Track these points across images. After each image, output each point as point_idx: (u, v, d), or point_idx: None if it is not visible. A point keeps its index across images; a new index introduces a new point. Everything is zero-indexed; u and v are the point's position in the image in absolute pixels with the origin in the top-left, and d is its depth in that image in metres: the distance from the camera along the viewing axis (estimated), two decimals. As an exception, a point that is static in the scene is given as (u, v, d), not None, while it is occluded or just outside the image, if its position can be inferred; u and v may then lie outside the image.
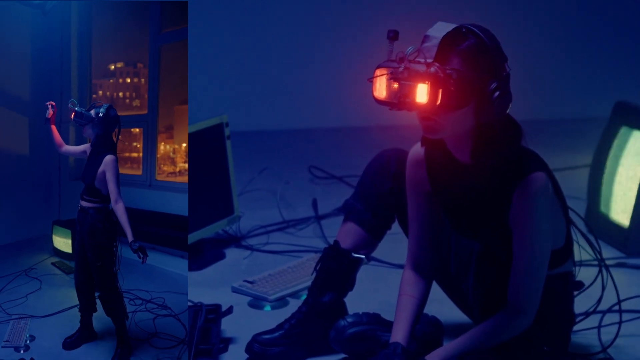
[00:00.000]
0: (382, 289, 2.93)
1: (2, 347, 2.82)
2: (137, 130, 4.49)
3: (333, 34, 5.50)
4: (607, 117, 3.83)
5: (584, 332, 2.93)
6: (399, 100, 2.29)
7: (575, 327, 2.83)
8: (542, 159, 2.52)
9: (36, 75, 4.42)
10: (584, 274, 2.82)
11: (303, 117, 5.56)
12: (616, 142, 3.78)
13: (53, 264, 3.87)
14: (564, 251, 2.63)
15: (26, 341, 2.87)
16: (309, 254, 3.53)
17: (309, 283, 2.86)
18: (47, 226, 4.11)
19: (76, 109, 2.78)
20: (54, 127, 2.93)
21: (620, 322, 2.86)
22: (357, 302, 2.86)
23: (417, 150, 2.65)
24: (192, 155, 3.43)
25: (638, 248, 3.67)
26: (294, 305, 3.04)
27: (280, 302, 3.15)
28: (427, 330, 2.75)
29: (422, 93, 2.32)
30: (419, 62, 2.34)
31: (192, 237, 3.41)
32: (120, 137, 2.87)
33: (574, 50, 5.83)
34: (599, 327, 2.89)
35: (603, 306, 2.92)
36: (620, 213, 3.76)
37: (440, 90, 2.32)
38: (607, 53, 5.82)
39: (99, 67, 4.65)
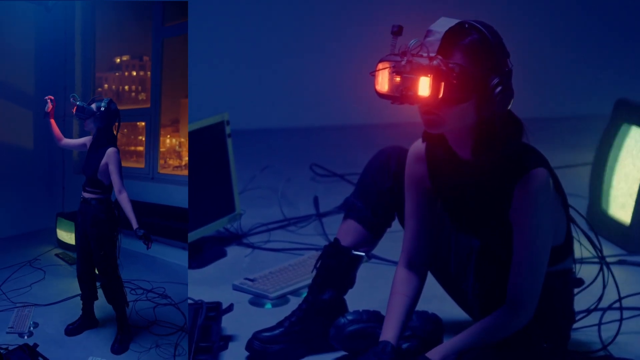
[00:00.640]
0: (382, 287, 2.95)
1: (7, 333, 2.96)
2: (142, 123, 4.57)
3: (335, 32, 5.56)
4: (609, 115, 3.85)
5: (585, 330, 2.95)
6: (401, 94, 2.32)
7: (576, 325, 2.84)
8: (543, 156, 2.54)
9: (40, 70, 4.51)
10: (585, 272, 2.83)
11: (305, 115, 5.63)
12: (617, 140, 3.80)
13: (57, 255, 4.00)
14: (564, 248, 2.64)
15: (30, 328, 3.00)
16: (310, 252, 3.58)
17: (309, 281, 2.91)
18: (51, 219, 4.23)
19: (77, 103, 2.91)
20: (53, 121, 3.05)
21: (620, 320, 2.87)
22: (357, 299, 2.90)
23: (417, 146, 2.67)
24: (193, 153, 3.50)
25: (639, 245, 3.69)
26: (294, 303, 3.10)
27: (281, 299, 3.20)
28: (428, 328, 2.77)
29: (424, 86, 2.35)
30: (421, 56, 2.36)
31: (193, 235, 3.49)
32: (120, 130, 3.00)
33: (575, 47, 5.87)
34: (599, 324, 2.91)
35: (604, 303, 2.92)
36: (621, 210, 3.79)
37: (442, 84, 2.34)
38: (608, 50, 5.86)
39: (104, 60, 4.70)
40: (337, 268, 2.83)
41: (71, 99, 2.93)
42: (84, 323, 3.04)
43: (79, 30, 4.63)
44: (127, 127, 4.60)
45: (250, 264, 3.55)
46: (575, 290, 2.75)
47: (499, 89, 2.39)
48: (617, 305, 2.94)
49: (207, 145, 3.58)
